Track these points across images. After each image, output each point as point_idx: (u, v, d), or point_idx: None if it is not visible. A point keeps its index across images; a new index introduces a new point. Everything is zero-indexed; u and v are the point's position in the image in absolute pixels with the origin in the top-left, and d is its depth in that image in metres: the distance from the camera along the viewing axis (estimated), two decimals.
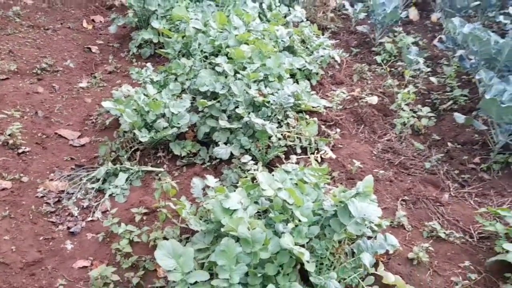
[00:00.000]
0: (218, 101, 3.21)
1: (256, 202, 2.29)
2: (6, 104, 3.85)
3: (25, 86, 4.21)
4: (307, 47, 4.34)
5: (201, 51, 3.72)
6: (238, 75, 3.25)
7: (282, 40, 3.99)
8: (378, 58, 4.67)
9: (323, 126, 3.46)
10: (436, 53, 4.89)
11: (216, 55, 3.75)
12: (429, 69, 4.32)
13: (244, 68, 3.34)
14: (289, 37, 4.11)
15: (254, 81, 3.22)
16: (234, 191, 2.30)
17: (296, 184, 2.26)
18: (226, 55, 3.65)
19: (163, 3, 4.86)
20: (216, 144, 3.17)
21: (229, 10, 4.51)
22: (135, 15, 5.05)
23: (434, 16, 5.58)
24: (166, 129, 3.09)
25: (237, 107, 3.08)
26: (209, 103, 3.18)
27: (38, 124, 3.78)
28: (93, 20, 5.99)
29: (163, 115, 3.19)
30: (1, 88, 4.07)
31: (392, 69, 4.63)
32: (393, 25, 5.06)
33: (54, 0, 6.12)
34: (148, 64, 4.00)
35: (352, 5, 5.68)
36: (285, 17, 5.22)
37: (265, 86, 3.23)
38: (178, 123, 3.13)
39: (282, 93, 3.08)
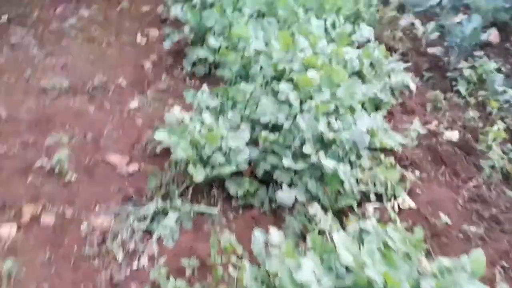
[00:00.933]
0: (282, 136, 2.85)
1: (330, 268, 1.91)
2: (56, 125, 3.67)
3: (76, 105, 4.03)
4: (376, 72, 3.92)
5: (263, 75, 3.39)
6: (305, 106, 2.88)
7: (351, 65, 3.59)
8: (461, 87, 4.14)
9: (398, 166, 3.03)
10: None
11: (279, 80, 3.40)
12: None
13: (311, 98, 2.97)
14: (358, 61, 3.70)
15: (323, 114, 2.84)
16: (298, 244, 1.94)
17: (382, 250, 1.86)
18: (291, 80, 3.30)
19: (221, 19, 4.58)
20: (276, 183, 2.82)
21: (292, 29, 4.16)
22: (191, 31, 4.80)
23: None
24: (223, 166, 2.76)
25: (303, 144, 2.71)
26: (271, 137, 2.83)
27: (86, 149, 3.56)
28: (147, 34, 5.81)
29: (220, 148, 2.87)
30: (53, 107, 3.91)
31: (471, 98, 4.12)
32: (472, 49, 4.54)
33: (110, 12, 6.01)
34: (204, 86, 3.70)
35: (422, 24, 5.21)
36: (349, 35, 4.82)
37: (335, 119, 2.84)
38: (236, 160, 2.79)
39: (356, 130, 2.68)
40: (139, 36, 5.69)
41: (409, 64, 4.87)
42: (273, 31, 4.16)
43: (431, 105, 4.02)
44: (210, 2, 4.94)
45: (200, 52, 4.52)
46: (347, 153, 2.69)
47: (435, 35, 5.01)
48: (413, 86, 3.75)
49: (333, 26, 4.71)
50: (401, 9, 5.68)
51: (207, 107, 3.44)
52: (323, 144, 2.76)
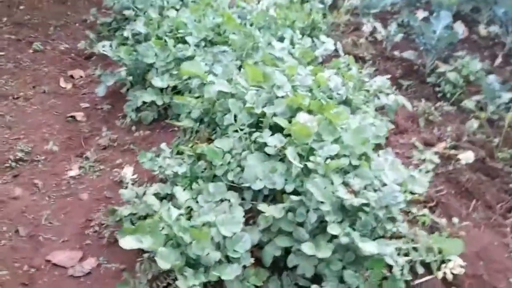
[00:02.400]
0: (288, 210, 2.16)
1: None
2: None
3: None
4: (362, 94, 3.35)
5: (240, 126, 2.68)
6: (309, 164, 2.22)
7: (337, 93, 2.99)
8: (448, 93, 3.67)
9: (424, 209, 2.46)
10: (508, 77, 3.96)
11: (258, 127, 2.72)
12: None
13: (312, 151, 2.32)
14: (343, 86, 3.11)
15: (335, 172, 2.20)
16: None
17: None
18: (272, 127, 2.64)
19: (163, 53, 3.82)
20: (291, 269, 2.14)
21: (254, 57, 3.50)
22: (128, 72, 3.99)
23: (483, 30, 4.68)
24: (220, 265, 2.03)
25: (321, 219, 2.05)
26: (275, 213, 2.14)
27: (21, 250, 2.69)
28: (71, 77, 4.87)
29: (211, 238, 2.14)
30: None
31: (461, 104, 3.68)
32: (445, 48, 4.12)
33: (22, 57, 5.01)
34: (163, 146, 2.94)
35: (385, 27, 4.76)
36: (313, 51, 4.25)
37: (353, 176, 2.21)
38: (236, 252, 2.07)
39: (386, 189, 2.05)
40: (62, 81, 4.73)
41: (377, 71, 4.40)
42: (231, 62, 3.47)
43: (423, 119, 3.52)
44: (144, 33, 4.15)
45: (145, 96, 3.72)
46: (380, 221, 2.06)
47: (399, 37, 4.57)
48: (409, 106, 3.22)
49: (292, 43, 4.11)
50: (354, 12, 5.20)
51: (175, 174, 2.69)
52: (345, 212, 2.11)
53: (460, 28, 4.46)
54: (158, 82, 3.63)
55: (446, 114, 3.66)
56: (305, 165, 2.23)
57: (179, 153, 3.00)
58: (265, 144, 2.48)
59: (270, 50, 3.55)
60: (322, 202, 2.03)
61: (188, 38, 3.88)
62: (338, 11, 5.25)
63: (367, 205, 2.05)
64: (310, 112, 2.61)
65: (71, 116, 4.16)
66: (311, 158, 2.23)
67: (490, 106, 3.39)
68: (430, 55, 4.09)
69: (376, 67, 4.49)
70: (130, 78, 3.99)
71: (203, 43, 3.88)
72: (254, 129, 2.71)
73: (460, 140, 3.21)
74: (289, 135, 2.43)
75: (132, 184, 2.94)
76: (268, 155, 2.48)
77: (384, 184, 2.15)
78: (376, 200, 2.05)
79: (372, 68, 4.12)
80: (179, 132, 3.42)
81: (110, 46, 4.13)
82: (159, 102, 3.73)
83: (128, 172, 3.23)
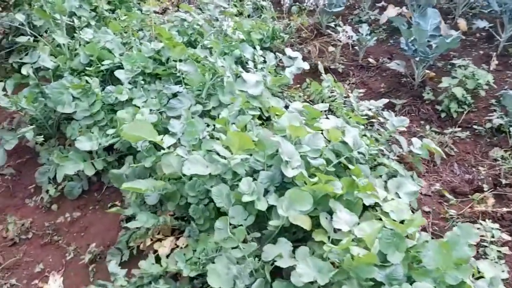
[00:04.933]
0: None
1: None
2: None
3: None
4: (378, 141, 2.52)
5: (232, 233, 1.71)
6: None
7: (359, 152, 2.12)
8: (454, 114, 2.97)
9: None
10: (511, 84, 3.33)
11: (259, 228, 1.78)
12: None
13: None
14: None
15: None
16: None
17: None
18: (286, 229, 1.72)
19: (85, 99, 2.68)
20: None
21: (218, 99, 2.50)
22: (35, 128, 2.80)
23: (462, 23, 4.03)
24: None
25: None
26: None
27: None
28: None
29: None
30: None
31: (477, 127, 3.00)
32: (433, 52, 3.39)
33: None
34: (114, 269, 1.89)
35: (356, 30, 3.94)
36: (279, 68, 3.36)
37: None
38: None
39: None
40: None
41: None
42: (190, 111, 2.44)
43: (439, 156, 2.77)
44: (52, 68, 2.96)
45: (68, 165, 2.57)
46: None
47: (373, 41, 3.79)
48: (441, 153, 2.44)
49: (255, 65, 3.16)
50: (308, 12, 4.32)
51: None
52: None
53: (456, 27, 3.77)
54: (84, 144, 2.51)
55: (461, 142, 2.95)
56: None
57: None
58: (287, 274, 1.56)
59: (240, 86, 2.58)
60: None
61: (118, 73, 2.77)
62: (291, 13, 4.34)
63: None
64: (346, 204, 1.73)
65: None
66: None
67: None
68: (420, 66, 3.35)
69: (353, 81, 3.68)
70: (40, 137, 2.80)
71: (140, 78, 2.79)
72: (257, 233, 1.78)
73: (498, 184, 2.52)
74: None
75: None
76: None
77: None
78: None
79: (357, 89, 3.30)
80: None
81: (4, 89, 2.89)
82: (89, 172, 2.61)
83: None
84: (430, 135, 2.98)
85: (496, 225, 2.14)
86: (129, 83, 2.77)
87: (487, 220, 2.22)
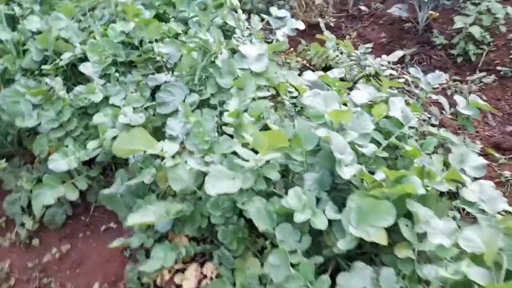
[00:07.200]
0: None
1: None
2: None
3: None
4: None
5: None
6: None
7: (410, 127, 1.73)
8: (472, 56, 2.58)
9: None
10: None
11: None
12: None
13: None
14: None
15: None
16: None
17: None
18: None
19: (51, 106, 2.14)
20: None
21: (216, 83, 2.02)
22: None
23: None
24: None
25: None
26: None
27: None
28: None
29: None
30: None
31: (501, 68, 2.66)
32: None
33: None
34: None
35: None
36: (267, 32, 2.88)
37: None
38: None
39: None
40: None
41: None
42: (186, 103, 1.97)
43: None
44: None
45: (45, 194, 2.07)
46: None
47: None
48: (494, 110, 2.08)
49: (242, 33, 2.66)
50: None
51: None
52: None
53: None
54: (59, 163, 2.01)
55: (487, 88, 2.61)
56: None
57: None
58: None
59: (239, 63, 2.11)
60: None
61: (84, 68, 2.24)
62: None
63: None
64: (423, 202, 1.35)
65: None
66: None
67: None
68: (426, 5, 2.94)
69: (341, 33, 3.25)
70: (1, 161, 2.26)
71: (113, 70, 2.27)
72: (319, 258, 1.39)
73: None
74: None
75: None
76: None
77: None
78: None
79: (365, 46, 2.87)
80: (126, 237, 1.91)
81: None
82: (72, 196, 2.12)
83: None
84: (453, 85, 2.62)
85: None
86: (100, 77, 2.24)
87: None
